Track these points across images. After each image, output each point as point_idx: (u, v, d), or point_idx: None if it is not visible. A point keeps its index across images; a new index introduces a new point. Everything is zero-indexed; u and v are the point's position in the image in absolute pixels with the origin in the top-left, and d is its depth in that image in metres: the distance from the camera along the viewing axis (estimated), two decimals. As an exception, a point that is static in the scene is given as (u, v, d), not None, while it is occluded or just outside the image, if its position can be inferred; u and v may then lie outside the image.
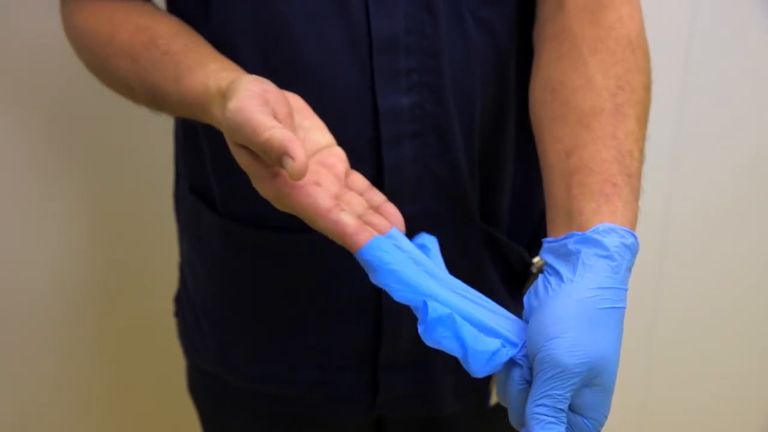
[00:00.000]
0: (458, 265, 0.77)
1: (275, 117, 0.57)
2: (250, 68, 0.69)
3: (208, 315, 0.84)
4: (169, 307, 0.94)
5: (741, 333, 1.59)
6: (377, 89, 0.68)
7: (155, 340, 1.28)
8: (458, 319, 0.53)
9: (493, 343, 0.53)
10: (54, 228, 1.24)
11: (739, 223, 1.52)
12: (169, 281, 0.98)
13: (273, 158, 0.54)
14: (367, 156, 0.70)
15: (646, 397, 1.63)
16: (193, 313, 0.87)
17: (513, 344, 0.54)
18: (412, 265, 0.56)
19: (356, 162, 0.70)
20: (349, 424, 0.89)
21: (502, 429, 0.93)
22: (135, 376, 1.38)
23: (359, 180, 0.63)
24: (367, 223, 0.59)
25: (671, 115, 1.40)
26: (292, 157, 0.53)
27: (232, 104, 0.56)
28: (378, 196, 0.63)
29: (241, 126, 0.55)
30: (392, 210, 0.62)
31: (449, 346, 0.53)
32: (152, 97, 0.70)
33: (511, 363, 0.54)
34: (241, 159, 0.58)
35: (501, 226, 0.79)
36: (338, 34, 0.67)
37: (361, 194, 0.62)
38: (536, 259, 0.81)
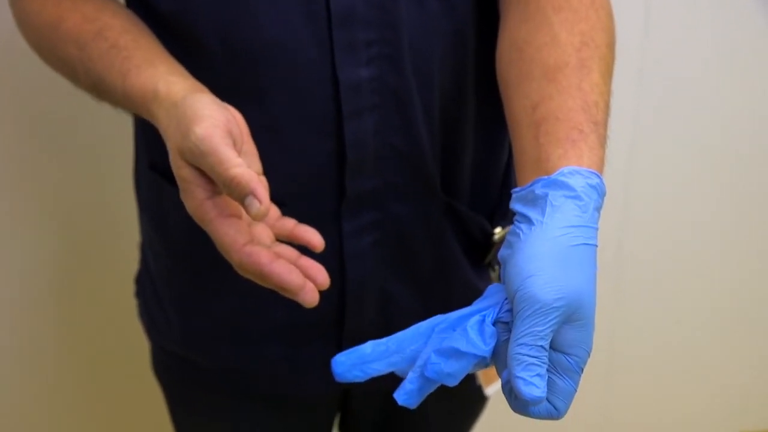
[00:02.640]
0: (421, 237, 0.78)
1: (235, 148, 0.59)
2: (209, 48, 0.69)
3: (170, 294, 0.84)
4: (130, 287, 0.94)
5: (702, 302, 1.63)
6: (337, 63, 0.68)
7: (118, 322, 1.27)
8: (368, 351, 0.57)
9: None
10: (13, 210, 1.23)
11: (698, 200, 1.55)
12: (130, 262, 0.98)
13: (236, 195, 0.56)
14: (329, 130, 0.71)
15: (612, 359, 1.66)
16: (155, 292, 0.86)
17: (491, 309, 0.55)
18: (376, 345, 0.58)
19: (318, 136, 0.71)
20: (316, 398, 0.90)
21: (467, 399, 0.95)
22: (98, 358, 1.37)
23: (273, 212, 0.66)
24: (276, 254, 0.61)
25: (630, 94, 1.42)
26: (259, 200, 0.55)
27: (199, 131, 0.57)
28: (289, 222, 0.65)
29: (207, 155, 0.57)
30: (305, 228, 0.65)
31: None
32: (96, 87, 0.70)
33: (497, 323, 0.54)
34: (183, 173, 0.60)
35: (462, 198, 0.79)
36: (297, 8, 0.67)
37: (272, 225, 0.65)
38: (497, 230, 0.81)
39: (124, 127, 0.92)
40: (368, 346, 0.58)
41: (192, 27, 0.69)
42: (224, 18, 0.68)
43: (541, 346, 0.51)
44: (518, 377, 0.51)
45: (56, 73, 0.75)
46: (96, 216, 1.26)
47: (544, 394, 0.51)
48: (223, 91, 0.66)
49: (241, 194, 0.56)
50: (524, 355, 0.51)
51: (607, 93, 0.62)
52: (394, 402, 0.57)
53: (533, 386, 0.51)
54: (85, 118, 1.19)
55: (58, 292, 1.31)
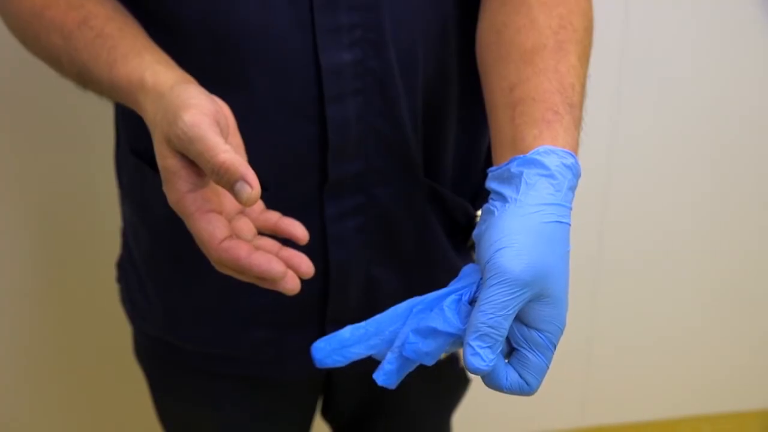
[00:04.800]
0: (404, 220, 0.78)
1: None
2: (191, 32, 0.68)
3: (153, 279, 0.84)
4: (111, 272, 0.94)
5: (682, 280, 1.64)
6: (319, 46, 0.68)
7: (99, 307, 1.26)
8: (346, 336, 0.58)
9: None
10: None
11: (678, 193, 1.56)
12: (111, 247, 0.97)
13: (224, 181, 0.56)
14: (312, 114, 0.71)
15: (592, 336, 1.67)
16: (138, 277, 0.86)
17: (467, 288, 0.55)
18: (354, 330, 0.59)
19: (301, 120, 0.71)
20: (299, 382, 0.90)
21: (447, 383, 0.96)
22: (80, 343, 1.36)
23: (257, 205, 0.66)
24: (256, 247, 0.61)
25: (611, 89, 1.42)
26: (250, 185, 0.55)
27: (188, 117, 0.57)
28: (272, 215, 0.65)
29: (194, 141, 0.56)
30: (289, 221, 0.65)
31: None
32: (81, 77, 0.70)
33: (473, 302, 0.55)
34: (168, 163, 0.59)
35: (445, 181, 0.80)
36: None
37: (256, 218, 0.65)
38: (479, 213, 0.82)
39: (105, 111, 0.92)
40: (347, 331, 0.58)
41: (173, 11, 0.69)
42: (205, 1, 0.67)
43: (502, 317, 0.51)
44: (468, 344, 0.51)
45: (36, 59, 0.75)
46: (76, 202, 1.26)
47: (487, 368, 0.51)
48: (206, 76, 0.66)
49: (230, 180, 0.55)
50: (481, 323, 0.51)
51: (583, 76, 0.63)
52: (377, 384, 0.57)
53: (479, 357, 0.51)
54: (65, 103, 1.18)
55: (38, 278, 1.30)
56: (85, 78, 0.69)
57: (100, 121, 1.06)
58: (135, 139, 0.79)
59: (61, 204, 1.26)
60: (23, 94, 1.18)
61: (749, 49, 1.46)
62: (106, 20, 0.68)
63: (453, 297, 0.55)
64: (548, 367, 0.54)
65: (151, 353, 0.91)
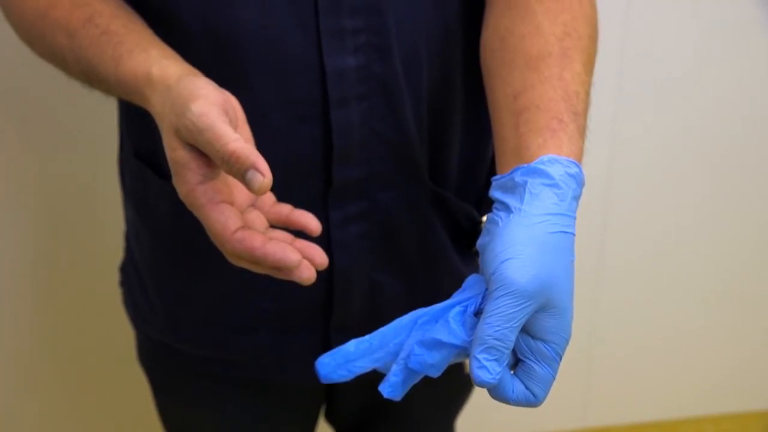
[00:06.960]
0: (408, 225, 0.78)
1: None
2: (191, 32, 0.68)
3: (155, 282, 0.84)
4: (115, 276, 0.93)
5: (683, 282, 1.64)
6: (324, 50, 0.68)
7: (103, 311, 1.26)
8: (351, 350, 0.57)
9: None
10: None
11: (679, 193, 1.55)
12: (114, 251, 0.97)
13: (235, 170, 0.55)
14: (315, 118, 0.70)
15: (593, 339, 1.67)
16: (140, 281, 0.86)
17: (472, 299, 0.55)
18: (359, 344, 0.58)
19: (304, 123, 0.70)
20: (302, 387, 0.90)
21: (451, 389, 0.95)
22: (83, 347, 1.36)
23: (268, 197, 0.65)
24: (269, 238, 0.60)
25: (612, 90, 1.42)
26: (261, 173, 0.54)
27: (196, 108, 0.57)
28: (284, 208, 0.65)
29: (204, 131, 0.56)
30: (301, 213, 0.64)
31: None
32: (87, 75, 0.69)
33: (478, 314, 0.55)
34: (177, 155, 0.59)
35: (450, 186, 0.79)
36: None
37: (267, 211, 0.64)
38: (485, 218, 0.81)
39: (109, 114, 0.91)
40: (351, 345, 0.58)
41: (175, 11, 0.69)
42: (208, 5, 0.67)
43: (508, 329, 0.51)
44: (475, 357, 0.51)
45: (40, 60, 0.75)
46: (80, 205, 1.26)
47: (494, 381, 0.51)
48: (207, 76, 0.66)
49: (241, 168, 0.55)
50: (488, 335, 0.51)
51: (588, 83, 0.63)
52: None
53: (485, 370, 0.51)
54: (68, 106, 1.18)
55: (42, 283, 1.30)
56: (91, 76, 0.69)
57: (104, 124, 1.05)
58: (138, 142, 0.79)
59: (64, 208, 1.25)
60: (26, 97, 1.18)
61: (749, 48, 1.46)
62: (111, 17, 0.67)
63: (458, 308, 0.55)
64: (554, 378, 0.54)
65: (153, 355, 0.91)
